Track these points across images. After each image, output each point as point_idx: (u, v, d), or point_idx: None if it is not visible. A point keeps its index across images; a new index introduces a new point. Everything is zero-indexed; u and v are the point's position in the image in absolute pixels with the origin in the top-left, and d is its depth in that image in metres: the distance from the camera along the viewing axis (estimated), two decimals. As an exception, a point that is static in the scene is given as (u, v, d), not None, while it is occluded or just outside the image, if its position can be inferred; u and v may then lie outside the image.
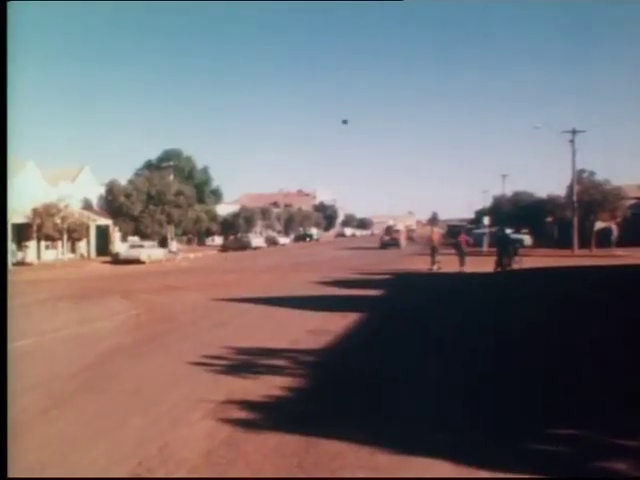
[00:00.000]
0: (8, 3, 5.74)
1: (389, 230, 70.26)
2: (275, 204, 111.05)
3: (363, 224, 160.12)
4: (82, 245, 52.38)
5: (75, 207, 48.51)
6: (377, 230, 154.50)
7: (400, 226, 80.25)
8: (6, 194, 6.01)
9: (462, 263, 30.52)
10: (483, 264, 30.12)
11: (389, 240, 64.43)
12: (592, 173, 53.04)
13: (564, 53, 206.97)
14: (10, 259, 42.52)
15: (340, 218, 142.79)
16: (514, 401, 7.70)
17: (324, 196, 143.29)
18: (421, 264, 33.33)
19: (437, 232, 36.01)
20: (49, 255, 48.01)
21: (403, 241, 67.98)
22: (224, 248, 70.09)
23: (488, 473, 5.48)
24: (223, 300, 19.53)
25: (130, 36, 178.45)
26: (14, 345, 12.26)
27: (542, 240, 55.47)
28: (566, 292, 19.64)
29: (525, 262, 30.43)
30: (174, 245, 58.18)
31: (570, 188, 50.46)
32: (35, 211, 43.85)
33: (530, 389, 8.29)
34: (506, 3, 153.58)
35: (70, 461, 6.09)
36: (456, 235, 33.35)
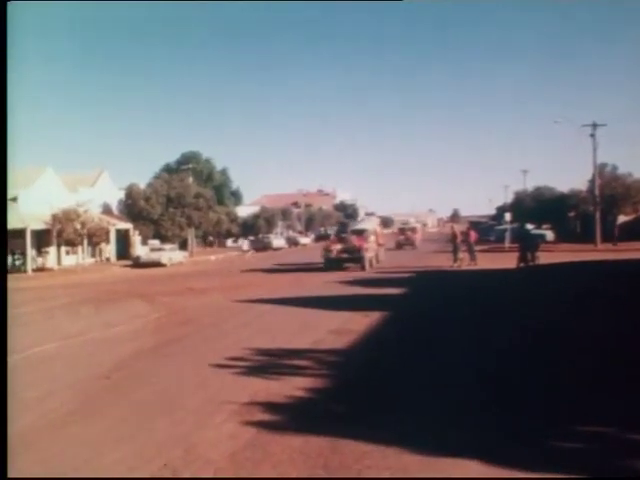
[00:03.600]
0: (8, 3, 5.73)
1: (403, 229, 64.84)
2: (295, 204, 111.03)
3: (384, 222, 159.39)
4: (102, 249, 52.65)
5: (95, 212, 48.71)
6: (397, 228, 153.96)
7: (416, 224, 74.33)
8: (6, 199, 6.01)
9: (472, 258, 31.81)
10: (506, 260, 29.92)
11: (404, 240, 59.16)
12: (614, 167, 52.68)
13: (584, 46, 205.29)
14: (30, 265, 42.91)
15: (361, 217, 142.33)
16: (541, 400, 7.61)
17: (344, 195, 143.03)
18: (443, 261, 33.22)
19: (458, 229, 35.85)
20: (69, 260, 48.27)
21: (419, 240, 61.53)
22: (246, 250, 70.26)
23: (516, 473, 5.39)
24: (245, 301, 19.52)
25: (146, 37, 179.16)
26: (36, 350, 12.38)
27: (564, 235, 55.01)
28: (590, 287, 19.40)
29: (541, 258, 30.04)
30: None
31: (592, 182, 50.03)
32: (55, 217, 44.06)
33: (555, 387, 8.18)
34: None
35: (94, 463, 6.08)
36: (466, 231, 33.39)
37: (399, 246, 56.74)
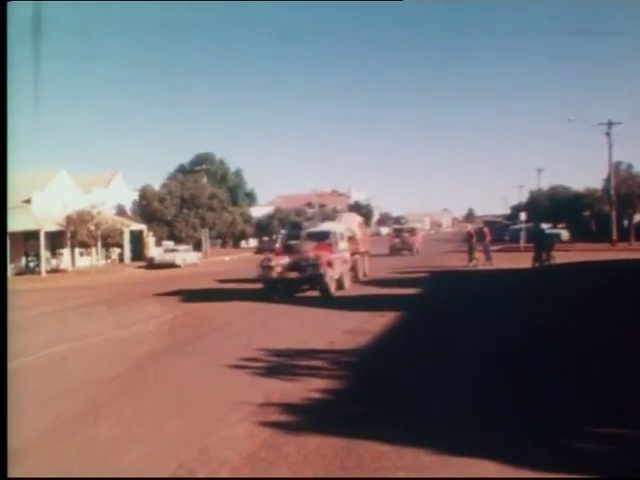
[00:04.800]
0: (8, 3, 5.73)
1: (400, 230, 51.47)
2: (309, 205, 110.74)
3: (399, 222, 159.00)
4: (116, 250, 52.85)
5: (108, 213, 48.93)
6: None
7: (416, 223, 60.95)
8: (6, 200, 6.00)
9: (488, 258, 31.72)
10: (521, 260, 29.79)
11: (399, 244, 46.95)
12: (630, 165, 52.30)
13: (598, 44, 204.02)
14: (44, 267, 43.18)
15: (375, 217, 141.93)
16: (559, 401, 7.54)
17: (359, 195, 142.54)
18: (457, 261, 33.13)
19: (473, 229, 35.70)
20: (83, 261, 48.56)
21: (419, 244, 49.03)
22: (259, 250, 70.22)
23: (531, 473, 5.35)
24: (260, 302, 19.48)
25: (158, 37, 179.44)
26: (51, 350, 12.41)
27: (580, 234, 54.61)
28: (607, 286, 19.26)
29: (556, 258, 29.82)
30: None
31: (607, 181, 49.72)
32: (69, 218, 44.34)
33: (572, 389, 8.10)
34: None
35: (110, 464, 6.08)
36: (481, 231, 33.29)
37: (394, 251, 46.02)
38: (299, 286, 21.51)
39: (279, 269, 20.70)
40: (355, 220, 28.88)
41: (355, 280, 24.26)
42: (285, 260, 20.95)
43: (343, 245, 23.59)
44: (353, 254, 24.72)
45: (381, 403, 7.68)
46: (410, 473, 5.43)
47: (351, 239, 25.26)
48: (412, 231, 49.67)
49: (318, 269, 20.27)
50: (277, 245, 25.02)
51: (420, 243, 49.40)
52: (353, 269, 24.50)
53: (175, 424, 7.22)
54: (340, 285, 21.79)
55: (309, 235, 23.19)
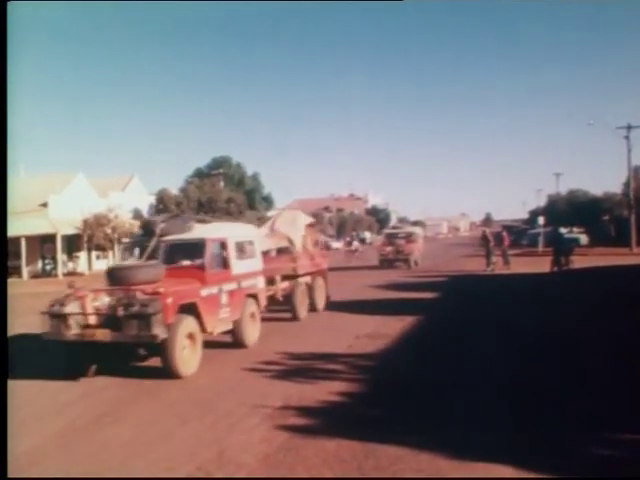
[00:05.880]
0: (8, 3, 5.77)
1: (393, 236, 36.79)
2: (327, 209, 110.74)
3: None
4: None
5: (125, 216, 49.16)
6: (430, 233, 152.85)
7: (415, 228, 44.34)
8: (6, 202, 6.04)
9: (506, 262, 31.55)
10: (539, 264, 29.61)
11: (392, 253, 33.02)
12: (649, 169, 51.79)
13: (618, 46, 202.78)
14: (61, 269, 43.49)
15: (393, 221, 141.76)
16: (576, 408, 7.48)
17: (376, 199, 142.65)
18: (475, 266, 32.97)
19: (490, 233, 35.49)
20: (100, 265, 48.76)
21: (419, 254, 35.15)
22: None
23: (547, 475, 5.38)
24: (276, 305, 19.42)
25: (173, 40, 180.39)
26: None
27: (598, 239, 54.18)
28: (628, 291, 19.08)
29: (575, 262, 29.58)
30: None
31: (626, 185, 49.31)
32: (85, 222, 44.61)
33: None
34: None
35: (128, 466, 6.09)
36: (500, 235, 33.20)
37: (385, 263, 33.55)
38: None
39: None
40: (298, 221, 18.18)
41: (295, 318, 15.99)
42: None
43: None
44: (290, 277, 16.21)
45: (399, 407, 7.67)
46: (427, 477, 5.43)
47: (284, 252, 17.39)
48: (409, 237, 36.33)
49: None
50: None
51: (420, 252, 36.89)
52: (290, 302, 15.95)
53: (193, 427, 7.24)
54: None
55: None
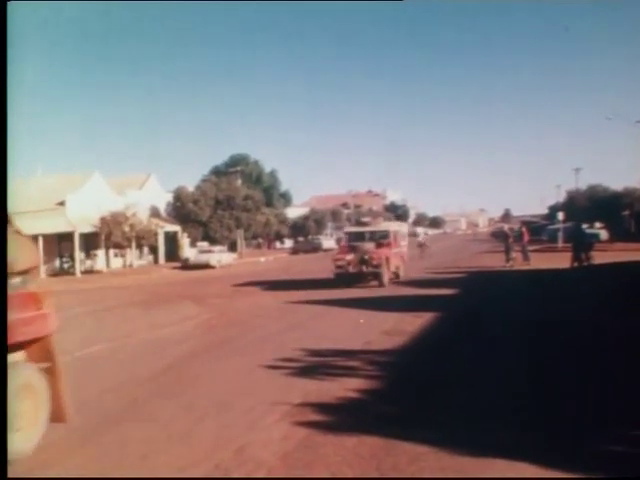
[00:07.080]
0: (8, 3, 5.74)
1: (356, 237, 26.28)
2: (345, 205, 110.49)
3: (435, 223, 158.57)
4: (151, 251, 53.22)
5: (143, 214, 49.33)
6: (449, 229, 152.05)
7: (394, 225, 31.35)
8: (6, 202, 6.01)
9: (526, 258, 31.69)
10: (559, 260, 29.40)
11: (353, 263, 23.79)
12: (670, 163, 51.33)
13: (637, 41, 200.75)
14: (78, 268, 43.77)
15: (411, 217, 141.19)
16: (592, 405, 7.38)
17: (394, 196, 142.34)
18: (495, 261, 32.84)
19: (509, 229, 35.35)
20: (118, 263, 49.06)
21: (400, 263, 26.26)
22: (294, 251, 70.43)
23: (571, 475, 5.28)
24: (295, 302, 19.46)
25: (185, 37, 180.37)
26: (86, 351, 12.47)
27: (619, 234, 53.72)
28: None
29: (595, 258, 29.29)
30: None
31: (647, 180, 48.92)
32: (103, 220, 44.86)
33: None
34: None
35: (147, 463, 6.05)
36: (520, 231, 33.10)
37: (344, 278, 24.15)
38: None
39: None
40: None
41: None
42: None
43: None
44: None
45: (418, 404, 7.60)
46: (448, 475, 5.35)
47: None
48: (383, 239, 25.70)
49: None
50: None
51: (404, 260, 27.95)
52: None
53: (211, 424, 7.20)
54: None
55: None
